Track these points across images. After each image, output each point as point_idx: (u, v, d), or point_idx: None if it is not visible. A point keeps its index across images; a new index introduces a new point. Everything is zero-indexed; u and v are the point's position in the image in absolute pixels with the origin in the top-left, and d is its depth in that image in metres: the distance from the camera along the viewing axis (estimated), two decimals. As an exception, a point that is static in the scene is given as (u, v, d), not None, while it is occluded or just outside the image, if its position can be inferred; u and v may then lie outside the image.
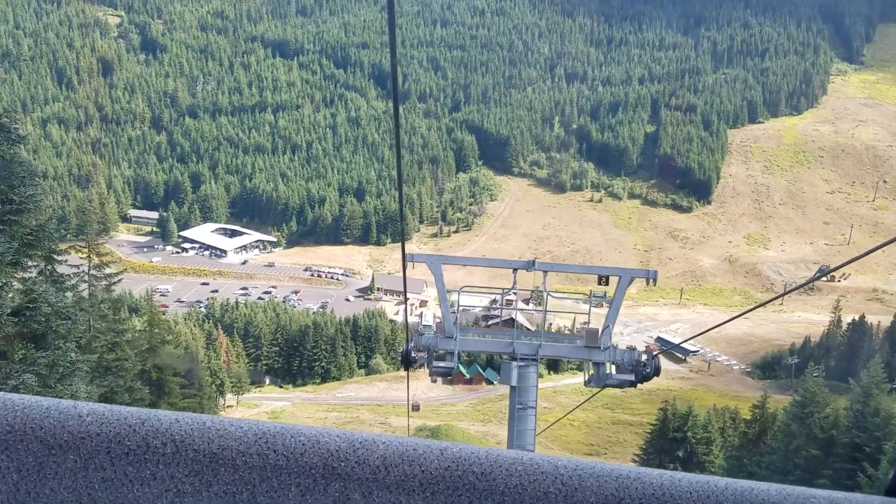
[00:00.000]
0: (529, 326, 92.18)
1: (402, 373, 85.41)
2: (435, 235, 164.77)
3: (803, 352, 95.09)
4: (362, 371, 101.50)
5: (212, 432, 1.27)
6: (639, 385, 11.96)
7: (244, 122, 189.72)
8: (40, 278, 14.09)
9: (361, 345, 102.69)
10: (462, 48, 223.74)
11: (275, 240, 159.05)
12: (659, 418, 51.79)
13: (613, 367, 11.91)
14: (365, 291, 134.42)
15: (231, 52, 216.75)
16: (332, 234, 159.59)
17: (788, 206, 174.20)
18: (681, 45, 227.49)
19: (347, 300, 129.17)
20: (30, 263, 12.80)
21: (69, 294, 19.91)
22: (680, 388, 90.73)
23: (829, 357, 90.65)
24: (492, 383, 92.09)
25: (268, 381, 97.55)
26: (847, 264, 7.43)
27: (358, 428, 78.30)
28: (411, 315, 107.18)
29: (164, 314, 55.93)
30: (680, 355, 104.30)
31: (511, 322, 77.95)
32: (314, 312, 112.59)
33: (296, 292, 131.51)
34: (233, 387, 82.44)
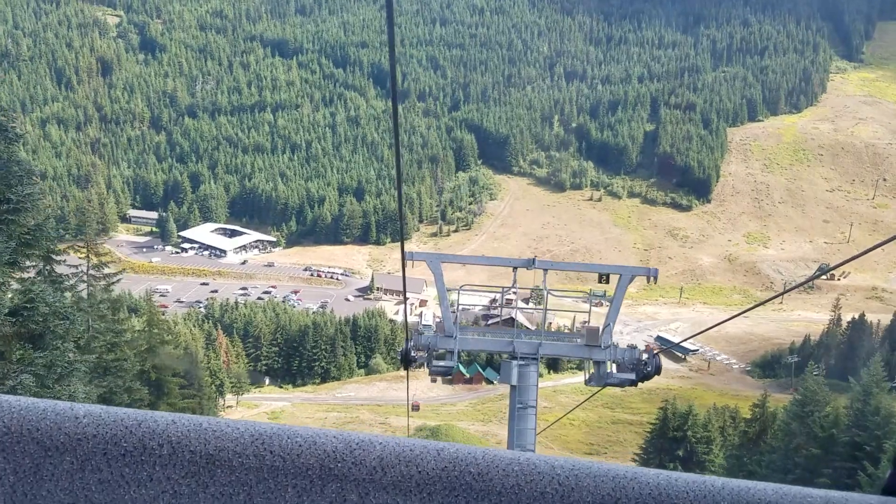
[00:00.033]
0: (529, 326, 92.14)
1: (402, 373, 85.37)
2: (434, 235, 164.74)
3: (803, 350, 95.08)
4: (362, 371, 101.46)
5: (208, 433, 1.27)
6: (639, 384, 11.92)
7: (243, 122, 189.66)
8: (39, 278, 14.04)
9: (361, 345, 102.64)
10: (461, 47, 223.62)
11: (274, 240, 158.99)
12: (659, 417, 51.79)
13: (614, 366, 11.86)
14: (364, 291, 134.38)
15: (230, 52, 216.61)
16: (332, 233, 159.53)
17: (788, 204, 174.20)
18: (680, 43, 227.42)
19: (347, 300, 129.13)
20: (28, 263, 12.75)
21: (68, 294, 19.87)
22: (680, 387, 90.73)
23: (828, 355, 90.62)
24: (492, 383, 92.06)
25: (267, 382, 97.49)
26: (847, 262, 7.39)
27: (358, 428, 78.27)
28: (411, 315, 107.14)
29: (163, 314, 55.87)
30: (680, 354, 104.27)
31: (511, 321, 77.82)
32: (314, 312, 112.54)
33: (295, 292, 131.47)
34: (232, 387, 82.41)
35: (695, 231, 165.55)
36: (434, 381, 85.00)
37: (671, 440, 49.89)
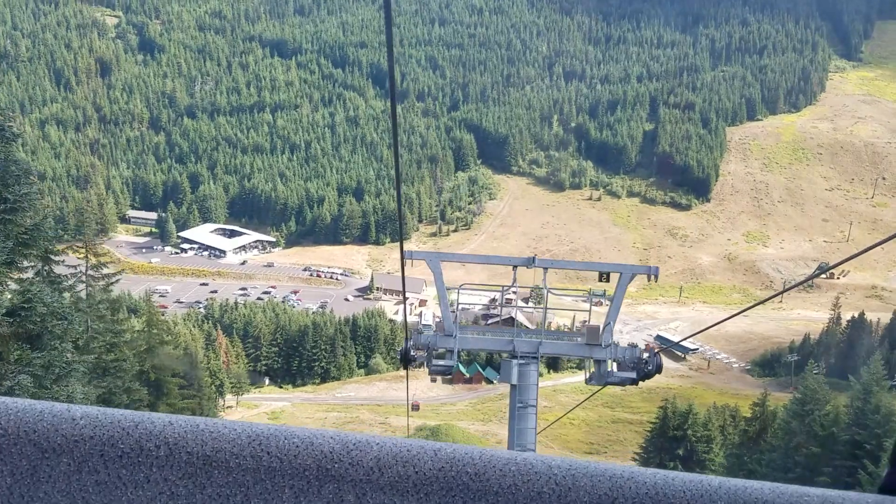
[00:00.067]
0: (529, 325, 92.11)
1: (402, 372, 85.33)
2: (434, 235, 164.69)
3: (803, 349, 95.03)
4: (362, 371, 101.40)
5: (205, 435, 1.27)
6: (640, 383, 11.87)
7: (242, 122, 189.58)
8: (37, 279, 14.00)
9: (361, 345, 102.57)
10: (460, 47, 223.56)
11: (274, 240, 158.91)
12: (659, 416, 51.76)
13: (615, 365, 11.81)
14: (364, 291, 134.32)
15: (229, 52, 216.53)
16: (331, 233, 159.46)
17: (787, 203, 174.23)
18: (679, 42, 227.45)
19: (347, 300, 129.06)
20: (26, 264, 12.70)
21: (66, 295, 19.82)
22: (680, 386, 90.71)
23: (828, 354, 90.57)
24: (491, 382, 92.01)
25: (267, 382, 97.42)
26: (846, 261, 7.36)
27: (358, 428, 78.23)
28: (411, 314, 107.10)
29: (162, 315, 55.81)
30: (680, 353, 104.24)
31: (511, 321, 77.70)
32: (313, 312, 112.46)
33: (295, 292, 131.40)
34: (232, 387, 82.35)
35: (694, 230, 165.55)
36: (434, 380, 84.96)
37: (671, 439, 49.85)
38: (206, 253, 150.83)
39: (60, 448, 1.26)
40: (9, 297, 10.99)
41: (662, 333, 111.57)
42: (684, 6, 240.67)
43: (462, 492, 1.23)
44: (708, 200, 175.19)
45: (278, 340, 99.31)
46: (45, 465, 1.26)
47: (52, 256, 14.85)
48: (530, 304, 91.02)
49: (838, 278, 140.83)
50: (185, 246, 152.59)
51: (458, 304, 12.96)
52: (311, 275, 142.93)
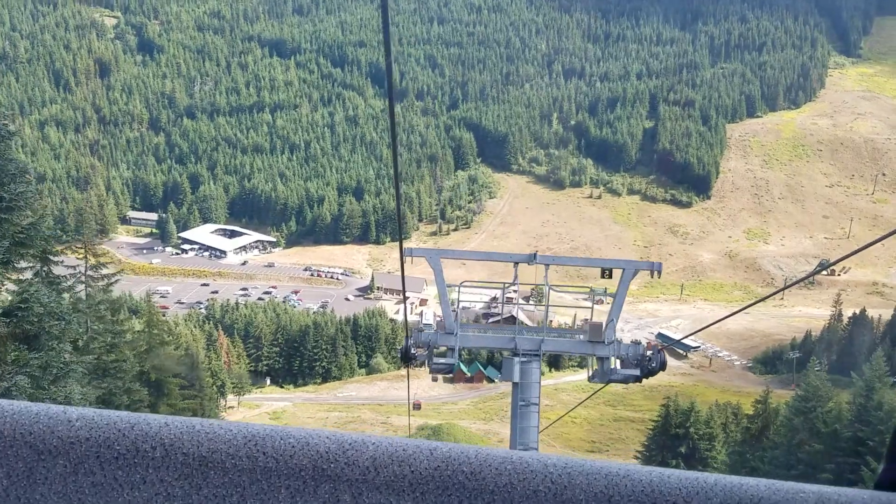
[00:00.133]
0: (530, 324, 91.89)
1: (403, 372, 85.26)
2: (434, 234, 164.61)
3: (804, 346, 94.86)
4: (363, 370, 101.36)
5: (201, 435, 1.27)
6: (643, 380, 11.77)
7: (242, 123, 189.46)
8: (36, 279, 13.90)
9: (362, 344, 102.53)
10: (459, 45, 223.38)
11: (274, 240, 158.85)
12: (661, 414, 51.68)
13: (618, 362, 11.71)
14: (365, 291, 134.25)
15: (228, 52, 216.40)
16: (332, 233, 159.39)
17: (788, 200, 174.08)
18: (678, 39, 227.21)
19: (347, 300, 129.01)
20: (23, 264, 12.61)
21: (66, 295, 19.73)
22: (681, 383, 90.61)
23: (830, 351, 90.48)
24: (493, 381, 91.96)
25: (269, 382, 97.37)
26: (847, 258, 7.27)
27: (359, 427, 78.18)
28: (411, 314, 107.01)
29: (163, 315, 55.75)
30: (681, 351, 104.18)
31: (512, 320, 77.52)
32: (314, 312, 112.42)
33: (296, 292, 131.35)
34: (234, 388, 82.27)
35: (695, 228, 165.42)
36: (435, 379, 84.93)
37: (673, 437, 49.77)
38: (206, 253, 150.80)
39: (57, 450, 1.26)
40: (6, 297, 10.90)
41: (664, 331, 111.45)
42: (683, 3, 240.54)
43: (458, 491, 1.23)
44: (708, 198, 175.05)
45: (279, 340, 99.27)
46: (41, 467, 1.26)
47: (51, 257, 14.76)
48: (531, 303, 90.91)
49: (839, 275, 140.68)
50: (186, 246, 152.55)
51: (459, 301, 12.86)
52: (311, 275, 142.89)
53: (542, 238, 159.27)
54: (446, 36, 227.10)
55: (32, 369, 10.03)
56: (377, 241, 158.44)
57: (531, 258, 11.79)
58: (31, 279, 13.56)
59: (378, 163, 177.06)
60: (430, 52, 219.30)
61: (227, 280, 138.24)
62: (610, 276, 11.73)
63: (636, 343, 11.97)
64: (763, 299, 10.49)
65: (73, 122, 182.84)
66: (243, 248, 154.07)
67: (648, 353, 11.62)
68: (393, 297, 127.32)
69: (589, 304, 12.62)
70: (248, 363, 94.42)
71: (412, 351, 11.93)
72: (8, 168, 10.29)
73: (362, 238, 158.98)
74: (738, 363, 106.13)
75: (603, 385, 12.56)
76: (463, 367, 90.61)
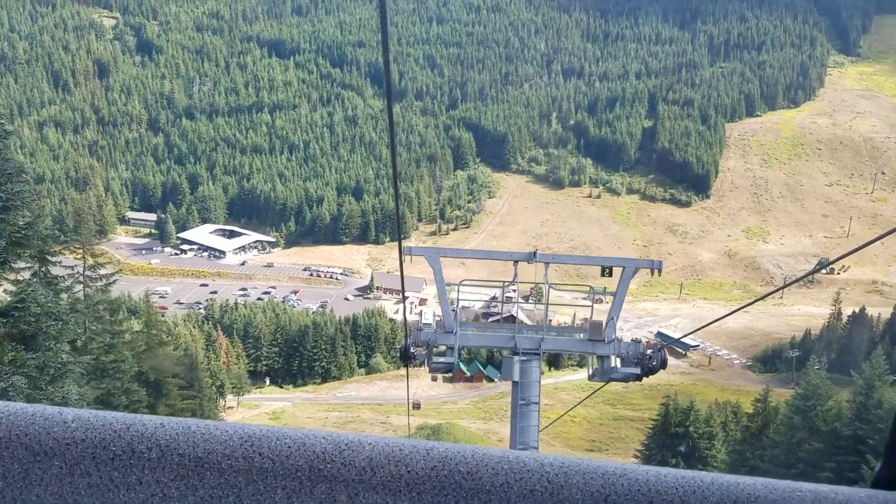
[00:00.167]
0: (530, 324, 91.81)
1: (403, 372, 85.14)
2: (433, 233, 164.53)
3: (804, 345, 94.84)
4: (362, 370, 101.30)
5: (197, 436, 1.26)
6: (644, 378, 11.72)
7: (241, 123, 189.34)
8: (34, 280, 13.85)
9: (361, 344, 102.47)
10: (458, 45, 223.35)
11: (273, 240, 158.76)
12: (660, 413, 51.68)
13: (618, 361, 11.65)
14: (364, 290, 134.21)
15: (227, 53, 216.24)
16: (331, 233, 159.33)
17: (787, 199, 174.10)
18: (677, 39, 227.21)
19: (347, 299, 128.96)
20: (21, 264, 12.55)
21: (64, 296, 19.67)
22: (681, 382, 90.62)
23: (829, 350, 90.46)
24: (492, 381, 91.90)
25: (268, 382, 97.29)
26: (846, 256, 7.24)
27: (359, 427, 78.14)
28: (411, 314, 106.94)
29: (162, 316, 55.69)
30: (680, 350, 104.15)
31: (512, 319, 77.50)
32: (314, 312, 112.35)
33: (295, 292, 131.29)
34: (233, 388, 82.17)
35: (694, 227, 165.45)
36: (434, 379, 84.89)
37: (673, 436, 49.76)
38: (205, 254, 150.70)
39: (52, 451, 1.25)
40: (3, 297, 10.85)
41: (663, 330, 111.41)
42: (682, 2, 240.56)
43: (454, 490, 1.23)
44: (707, 197, 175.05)
45: (279, 340, 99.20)
46: (36, 469, 1.25)
47: (49, 257, 14.71)
48: (531, 301, 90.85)
49: (839, 274, 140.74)
50: (185, 247, 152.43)
51: (459, 300, 12.81)
52: (310, 275, 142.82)
53: (542, 237, 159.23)
54: (445, 36, 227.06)
55: (29, 370, 9.97)
56: (376, 241, 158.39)
57: (531, 256, 11.75)
58: (30, 279, 13.50)
59: (377, 163, 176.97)
60: (429, 52, 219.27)
61: (226, 280, 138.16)
62: (610, 275, 11.67)
63: (636, 341, 11.92)
64: (762, 298, 10.44)
65: (71, 122, 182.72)
66: (242, 248, 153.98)
67: (648, 351, 11.57)
68: (392, 297, 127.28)
69: (588, 303, 12.54)
70: (248, 363, 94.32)
71: (411, 350, 11.87)
72: (5, 167, 10.24)
73: (361, 238, 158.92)
74: (738, 362, 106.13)
75: (603, 384, 12.50)
76: (462, 366, 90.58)
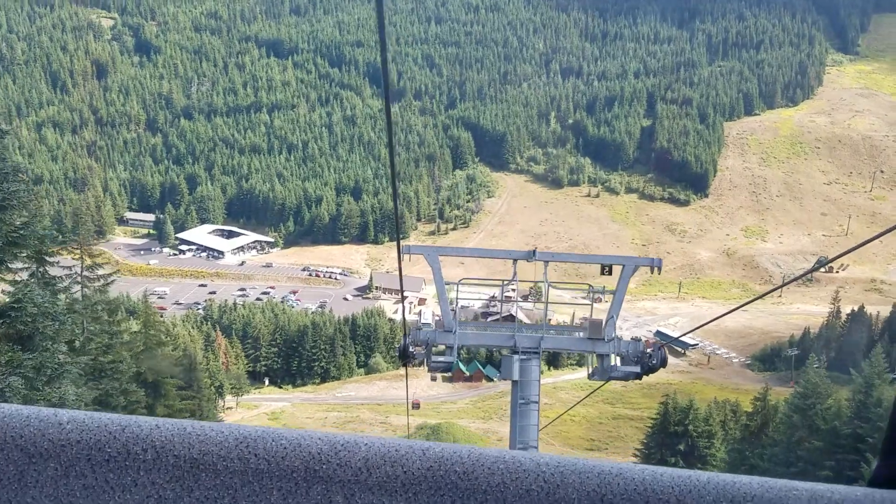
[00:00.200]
0: (529, 323, 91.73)
1: (402, 371, 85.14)
2: (433, 233, 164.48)
3: (803, 343, 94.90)
4: (362, 370, 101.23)
5: (192, 437, 1.26)
6: (643, 377, 11.67)
7: (239, 123, 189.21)
8: (32, 280, 13.80)
9: (360, 344, 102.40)
10: (457, 45, 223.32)
11: (272, 240, 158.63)
12: (660, 412, 51.65)
13: (618, 360, 11.61)
14: (363, 290, 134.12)
15: (225, 53, 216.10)
16: (330, 233, 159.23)
17: (786, 197, 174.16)
18: (676, 38, 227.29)
19: (346, 299, 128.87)
20: (18, 265, 12.49)
21: (62, 296, 19.61)
22: (680, 381, 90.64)
23: (828, 348, 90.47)
24: (492, 380, 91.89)
25: (267, 382, 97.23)
26: (845, 255, 7.21)
27: (358, 427, 78.11)
28: (410, 313, 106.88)
29: (161, 316, 55.58)
30: (679, 349, 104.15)
31: (511, 318, 77.47)
32: (313, 312, 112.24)
33: (294, 292, 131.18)
34: (232, 388, 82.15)
35: (693, 226, 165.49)
36: (434, 378, 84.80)
37: (672, 435, 49.73)
38: (204, 254, 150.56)
39: (47, 453, 1.25)
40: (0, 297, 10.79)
41: (662, 329, 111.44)
42: (680, 1, 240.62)
43: (451, 491, 1.23)
44: (706, 196, 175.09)
45: (277, 341, 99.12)
46: (32, 470, 1.25)
47: (47, 257, 14.64)
48: (530, 300, 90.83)
49: (837, 272, 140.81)
50: (184, 247, 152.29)
51: (458, 299, 12.76)
52: (309, 275, 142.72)
53: (541, 237, 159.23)
54: (444, 35, 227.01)
55: (26, 370, 9.92)
56: (375, 241, 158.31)
57: (530, 255, 11.71)
58: (27, 280, 13.45)
59: (376, 162, 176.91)
60: (428, 52, 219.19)
61: (224, 280, 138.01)
62: (609, 273, 11.63)
63: (636, 340, 11.87)
64: (761, 296, 10.36)
65: (70, 123, 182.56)
66: (241, 248, 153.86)
67: (649, 350, 11.53)
68: (391, 297, 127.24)
69: (588, 302, 12.49)
70: (247, 364, 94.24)
71: (410, 349, 11.82)
72: (1, 167, 10.19)
73: (360, 238, 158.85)
74: (737, 360, 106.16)
75: (603, 383, 12.45)
76: (462, 366, 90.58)
